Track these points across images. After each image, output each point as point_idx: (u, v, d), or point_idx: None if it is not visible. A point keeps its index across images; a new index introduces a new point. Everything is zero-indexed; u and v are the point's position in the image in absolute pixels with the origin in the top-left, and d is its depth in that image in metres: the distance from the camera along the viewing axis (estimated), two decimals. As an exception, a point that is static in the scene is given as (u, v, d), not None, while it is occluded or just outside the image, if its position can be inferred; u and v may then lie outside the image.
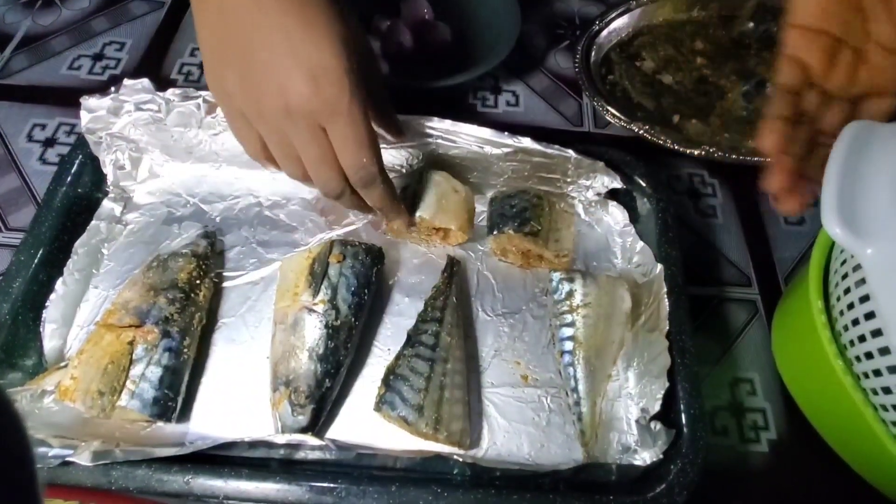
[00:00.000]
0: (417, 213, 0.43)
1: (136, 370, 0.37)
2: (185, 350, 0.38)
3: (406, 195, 0.45)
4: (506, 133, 0.44)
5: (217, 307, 0.43)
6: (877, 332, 0.32)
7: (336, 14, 0.34)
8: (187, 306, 0.40)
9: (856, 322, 0.33)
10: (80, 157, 0.46)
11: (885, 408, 0.33)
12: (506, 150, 0.44)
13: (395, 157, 0.47)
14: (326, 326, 0.38)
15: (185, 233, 0.46)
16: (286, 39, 0.33)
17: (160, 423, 0.38)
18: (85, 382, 0.35)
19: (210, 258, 0.43)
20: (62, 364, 0.38)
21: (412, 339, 0.40)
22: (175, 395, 0.37)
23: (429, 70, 0.59)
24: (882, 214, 0.30)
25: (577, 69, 0.58)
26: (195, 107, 0.45)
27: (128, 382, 0.36)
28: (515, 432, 0.39)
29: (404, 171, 0.48)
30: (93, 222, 0.45)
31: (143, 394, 0.36)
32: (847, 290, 0.34)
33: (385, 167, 0.38)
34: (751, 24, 0.62)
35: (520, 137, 0.44)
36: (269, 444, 0.38)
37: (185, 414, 0.39)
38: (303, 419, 0.36)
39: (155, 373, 0.37)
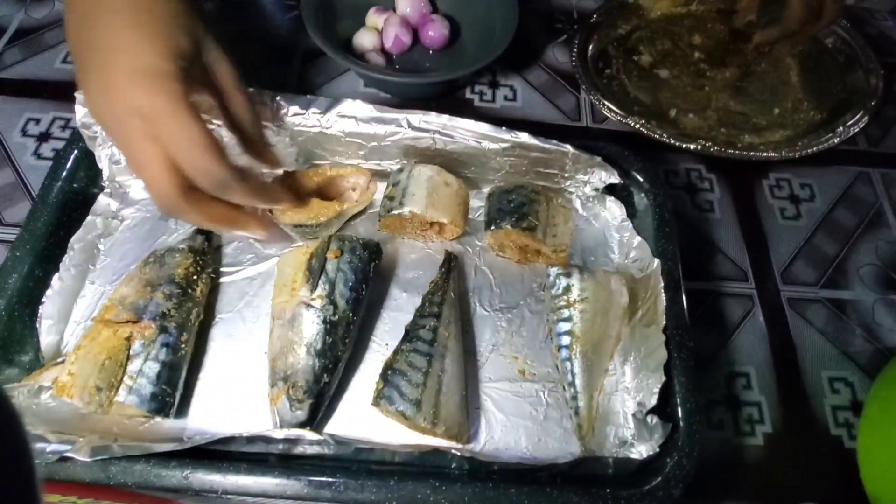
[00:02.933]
0: (408, 209, 0.43)
1: (133, 366, 0.37)
2: (183, 345, 0.38)
3: (397, 191, 0.45)
4: (503, 128, 0.44)
5: (214, 303, 0.43)
6: None
7: (167, 15, 0.35)
8: (184, 302, 0.39)
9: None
10: (76, 151, 0.46)
11: None
12: (503, 145, 0.44)
13: (390, 152, 0.47)
14: (324, 322, 0.38)
15: (181, 228, 0.46)
16: (112, 39, 0.33)
17: (158, 419, 0.38)
18: (82, 378, 0.35)
19: (207, 253, 0.43)
20: (59, 360, 0.38)
21: (410, 334, 0.40)
22: (173, 391, 0.37)
23: (426, 65, 0.59)
24: None
25: (574, 63, 0.58)
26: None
27: (125, 378, 0.36)
28: (513, 426, 0.39)
29: (397, 166, 0.48)
30: (89, 217, 0.45)
31: (141, 389, 0.36)
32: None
33: (234, 165, 0.35)
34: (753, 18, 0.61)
35: (517, 132, 0.44)
36: (267, 439, 0.38)
37: (183, 409, 0.39)
38: (301, 414, 0.36)
39: (152, 368, 0.37)
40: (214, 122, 0.42)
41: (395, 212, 0.44)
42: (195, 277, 0.41)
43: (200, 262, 0.42)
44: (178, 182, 0.34)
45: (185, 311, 0.39)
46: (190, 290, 0.40)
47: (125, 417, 0.38)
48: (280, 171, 0.46)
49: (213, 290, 0.43)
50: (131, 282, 0.40)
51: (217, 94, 0.39)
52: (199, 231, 0.44)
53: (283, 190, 0.43)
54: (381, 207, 0.46)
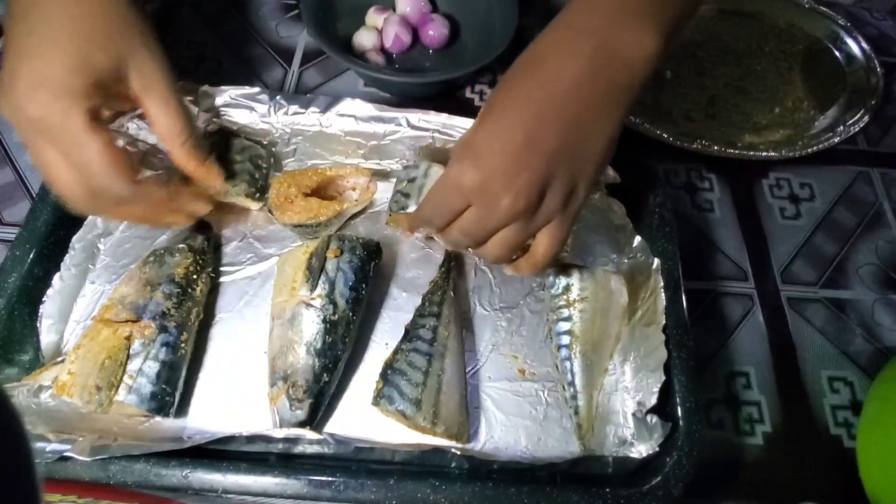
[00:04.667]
0: None
1: (133, 365, 0.37)
2: (183, 345, 0.38)
3: (413, 188, 0.44)
4: (503, 127, 0.44)
5: (214, 302, 0.43)
6: None
7: (94, 27, 0.34)
8: (184, 301, 0.39)
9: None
10: (75, 151, 0.46)
11: None
12: (503, 144, 0.44)
13: (389, 152, 0.47)
14: (324, 321, 0.38)
15: (180, 227, 0.46)
16: (30, 45, 0.34)
17: (158, 418, 0.38)
18: (82, 378, 0.35)
19: (206, 253, 0.43)
20: (59, 359, 0.38)
21: (410, 334, 0.40)
22: (173, 390, 0.37)
23: (426, 64, 0.59)
24: None
25: (575, 63, 0.58)
26: (190, 101, 0.45)
27: (125, 377, 0.36)
28: (513, 426, 0.39)
29: (405, 163, 0.47)
30: (89, 217, 0.45)
31: (141, 389, 0.36)
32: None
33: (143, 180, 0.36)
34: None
35: (517, 132, 0.44)
36: (267, 439, 0.38)
37: (183, 409, 0.39)
38: (301, 413, 0.36)
39: (152, 368, 0.37)
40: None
41: (411, 209, 0.43)
42: (195, 277, 0.41)
43: (200, 262, 0.42)
44: (82, 187, 0.34)
45: (184, 310, 0.39)
46: (190, 290, 0.40)
47: (125, 417, 0.38)
48: (216, 186, 0.42)
49: (213, 289, 0.43)
50: (131, 281, 0.40)
51: (144, 106, 0.38)
52: (198, 230, 0.44)
53: (195, 198, 0.40)
54: (392, 202, 0.45)
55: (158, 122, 0.38)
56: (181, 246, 0.42)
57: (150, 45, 0.37)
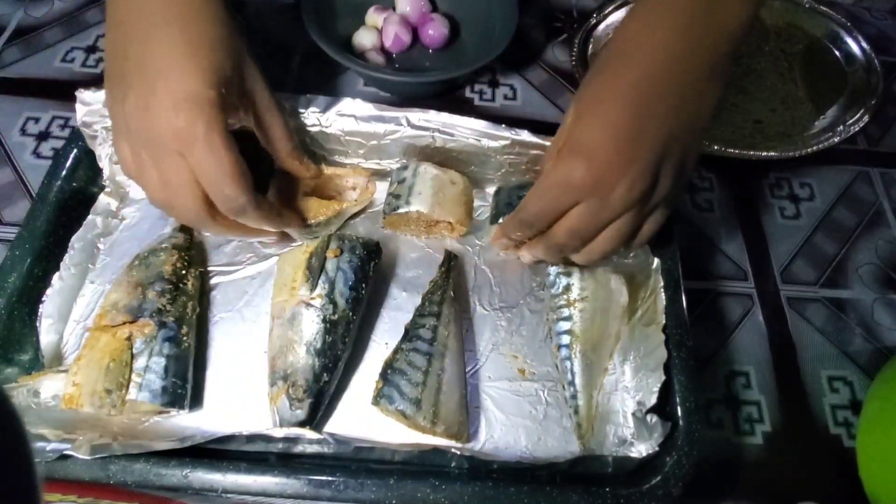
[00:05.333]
0: (415, 208, 0.43)
1: (139, 363, 0.37)
2: (185, 338, 0.38)
3: (403, 188, 0.45)
4: (503, 125, 0.44)
5: (214, 302, 0.43)
6: None
7: (214, 38, 0.35)
8: (178, 296, 0.39)
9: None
10: (75, 150, 0.46)
11: None
12: (503, 143, 0.44)
13: (389, 151, 0.47)
14: (324, 321, 0.38)
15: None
16: (159, 60, 0.34)
17: (158, 418, 0.38)
18: (89, 385, 0.35)
19: (191, 249, 0.43)
20: (60, 368, 0.38)
21: (410, 334, 0.40)
22: (183, 383, 0.37)
23: (426, 64, 0.59)
24: None
25: (574, 62, 0.58)
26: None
27: (133, 376, 0.36)
28: (513, 425, 0.39)
29: (399, 164, 0.48)
30: (89, 217, 0.45)
31: (151, 384, 0.36)
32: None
33: (252, 190, 0.37)
34: None
35: (517, 130, 0.44)
36: (267, 438, 0.38)
37: (196, 404, 0.39)
38: (301, 413, 0.36)
39: (159, 363, 0.37)
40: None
41: (402, 210, 0.44)
42: (184, 272, 0.41)
43: (186, 258, 0.42)
44: (203, 198, 0.36)
45: (180, 304, 0.39)
46: (181, 285, 0.40)
47: (140, 415, 0.38)
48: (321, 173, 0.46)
49: (213, 289, 0.43)
50: (120, 286, 0.40)
51: (254, 114, 0.39)
52: (181, 229, 0.44)
53: (293, 214, 0.43)
54: (385, 205, 0.45)
55: (272, 129, 0.39)
56: (164, 246, 0.42)
57: (250, 52, 0.38)
